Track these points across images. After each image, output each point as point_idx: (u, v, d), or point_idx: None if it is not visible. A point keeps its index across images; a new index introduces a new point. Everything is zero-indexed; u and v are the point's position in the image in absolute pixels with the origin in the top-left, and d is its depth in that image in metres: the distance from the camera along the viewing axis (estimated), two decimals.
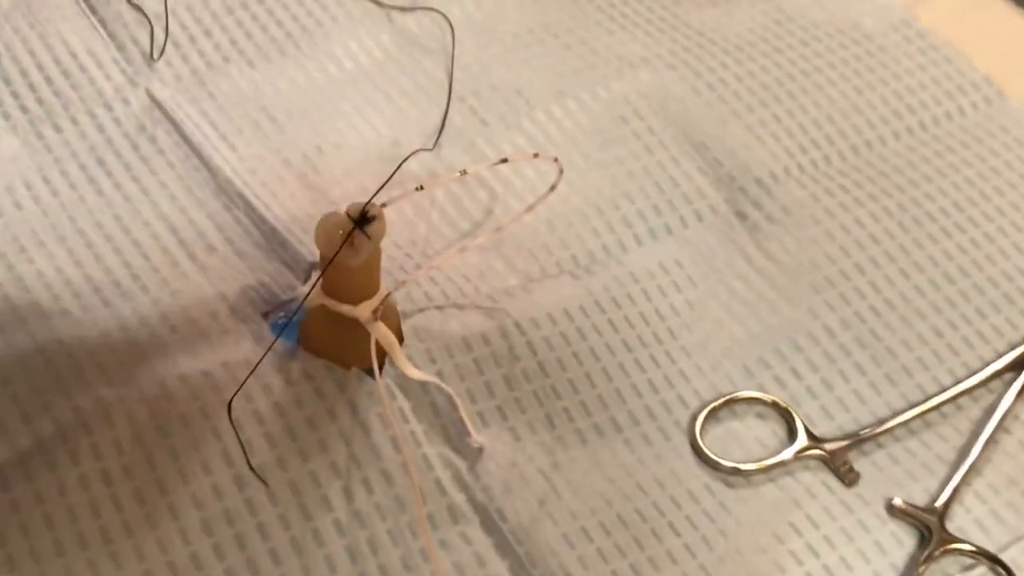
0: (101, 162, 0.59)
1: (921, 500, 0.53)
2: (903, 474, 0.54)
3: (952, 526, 0.52)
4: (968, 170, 0.64)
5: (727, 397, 0.55)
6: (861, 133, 0.65)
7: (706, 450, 0.53)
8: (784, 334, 0.57)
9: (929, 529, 0.52)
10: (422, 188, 0.48)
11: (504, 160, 0.49)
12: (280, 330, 0.53)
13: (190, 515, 0.49)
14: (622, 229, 0.60)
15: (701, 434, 0.54)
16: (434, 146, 0.61)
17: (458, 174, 0.49)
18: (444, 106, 0.63)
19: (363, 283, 0.51)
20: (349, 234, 0.49)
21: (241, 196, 0.58)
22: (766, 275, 0.59)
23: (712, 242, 0.60)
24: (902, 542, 0.52)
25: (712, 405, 0.55)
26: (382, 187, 0.49)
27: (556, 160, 0.47)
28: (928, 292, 0.59)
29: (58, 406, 0.50)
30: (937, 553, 0.51)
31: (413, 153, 0.59)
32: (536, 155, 0.47)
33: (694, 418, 0.54)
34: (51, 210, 0.57)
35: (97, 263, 0.56)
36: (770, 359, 0.56)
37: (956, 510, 0.53)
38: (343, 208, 0.58)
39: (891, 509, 0.52)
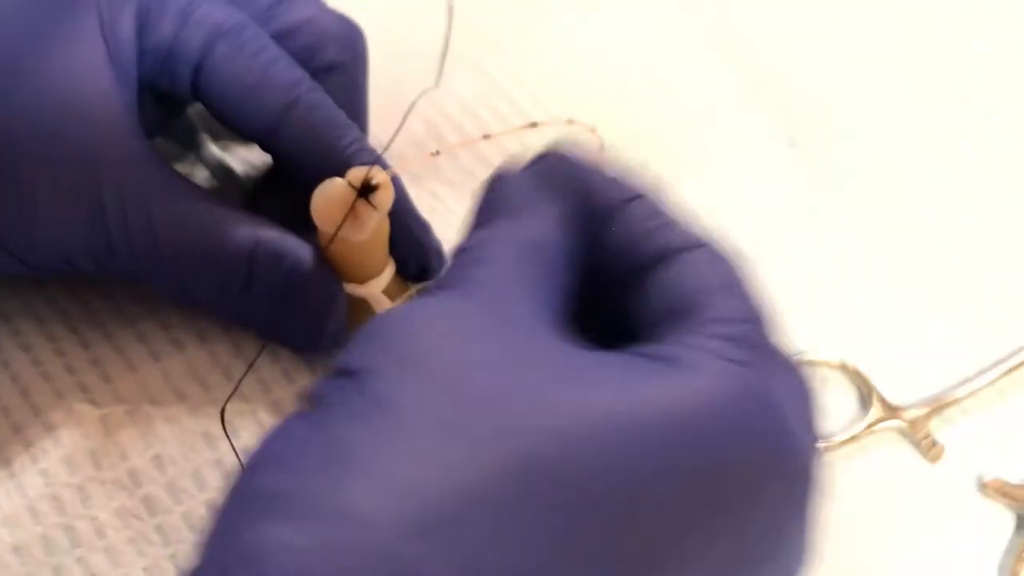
0: None
1: (1017, 475, 0.47)
2: (993, 445, 0.47)
3: None
4: None
5: None
6: (927, 38, 0.57)
7: None
8: (848, 281, 0.50)
9: None
10: (438, 153, 0.41)
11: (533, 124, 0.41)
12: None
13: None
14: (666, 163, 0.51)
15: None
16: (437, 82, 0.53)
17: (481, 138, 0.42)
18: (443, 25, 0.55)
19: (370, 259, 0.45)
20: (352, 205, 0.42)
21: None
22: (827, 208, 0.52)
23: (763, 174, 0.53)
24: (998, 527, 0.46)
25: None
26: (389, 143, 0.42)
27: (594, 131, 0.40)
28: (1017, 228, 0.52)
29: None
30: None
31: (418, 98, 0.51)
32: (570, 121, 0.40)
33: None
34: None
35: None
36: (834, 312, 0.50)
37: None
38: None
39: (983, 488, 0.46)
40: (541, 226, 0.34)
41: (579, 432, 0.29)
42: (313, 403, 0.30)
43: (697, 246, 0.34)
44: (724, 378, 0.31)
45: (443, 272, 0.35)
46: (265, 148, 0.45)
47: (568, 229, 0.34)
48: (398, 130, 0.41)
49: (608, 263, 0.34)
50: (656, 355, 0.31)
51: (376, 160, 0.42)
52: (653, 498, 0.29)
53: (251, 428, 0.44)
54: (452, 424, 0.29)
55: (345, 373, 0.30)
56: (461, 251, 0.34)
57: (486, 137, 0.43)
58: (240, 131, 0.45)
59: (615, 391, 0.30)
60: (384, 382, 0.29)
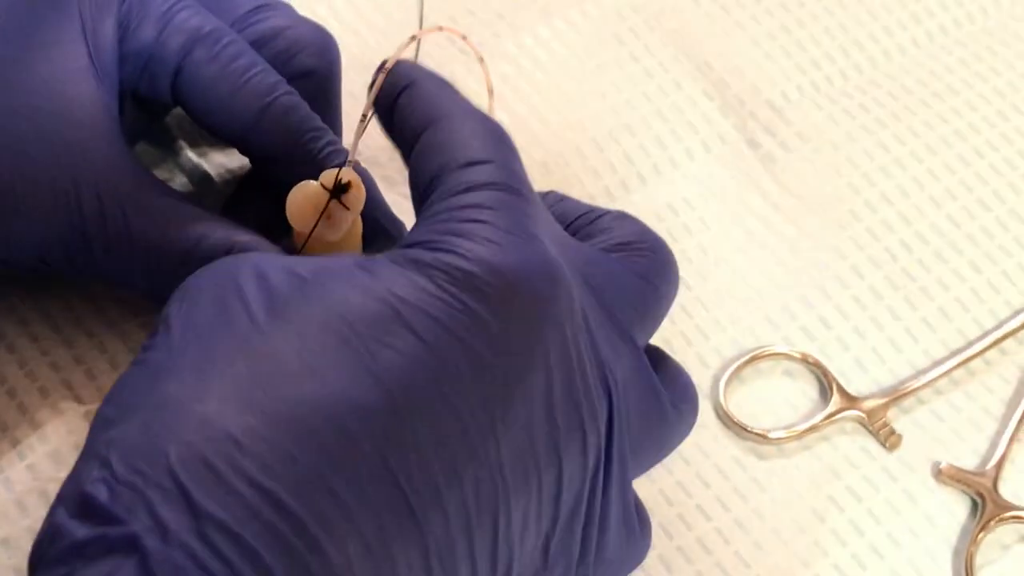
0: None
1: (970, 462, 0.48)
2: (949, 433, 0.49)
3: (1006, 490, 0.47)
4: (996, 79, 0.58)
5: (751, 353, 0.50)
6: (878, 42, 0.59)
7: (733, 417, 0.48)
8: (808, 278, 0.52)
9: (981, 496, 0.47)
10: (364, 117, 0.42)
11: (412, 38, 0.43)
12: None
13: None
14: (624, 167, 0.54)
15: (725, 398, 0.49)
16: None
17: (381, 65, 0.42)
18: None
19: None
20: (325, 206, 0.43)
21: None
22: (784, 211, 0.54)
23: (723, 176, 0.54)
24: (953, 512, 0.47)
25: (736, 364, 0.49)
26: (355, 145, 0.43)
27: (465, 38, 0.42)
28: (963, 222, 0.54)
29: None
30: (992, 523, 0.47)
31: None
32: (440, 28, 0.42)
33: (717, 380, 0.49)
34: None
35: None
36: (795, 308, 0.51)
37: (1009, 471, 0.48)
38: None
39: (938, 474, 0.48)
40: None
41: (354, 311, 0.33)
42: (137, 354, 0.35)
43: (448, 115, 0.38)
44: (475, 240, 0.35)
45: None
46: (242, 150, 0.46)
47: None
48: (362, 130, 0.42)
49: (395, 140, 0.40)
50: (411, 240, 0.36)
51: (347, 161, 0.43)
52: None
53: None
54: (249, 321, 0.33)
55: (156, 326, 0.35)
56: None
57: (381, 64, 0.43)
58: (218, 133, 0.46)
59: (374, 278, 0.34)
60: (185, 316, 0.34)
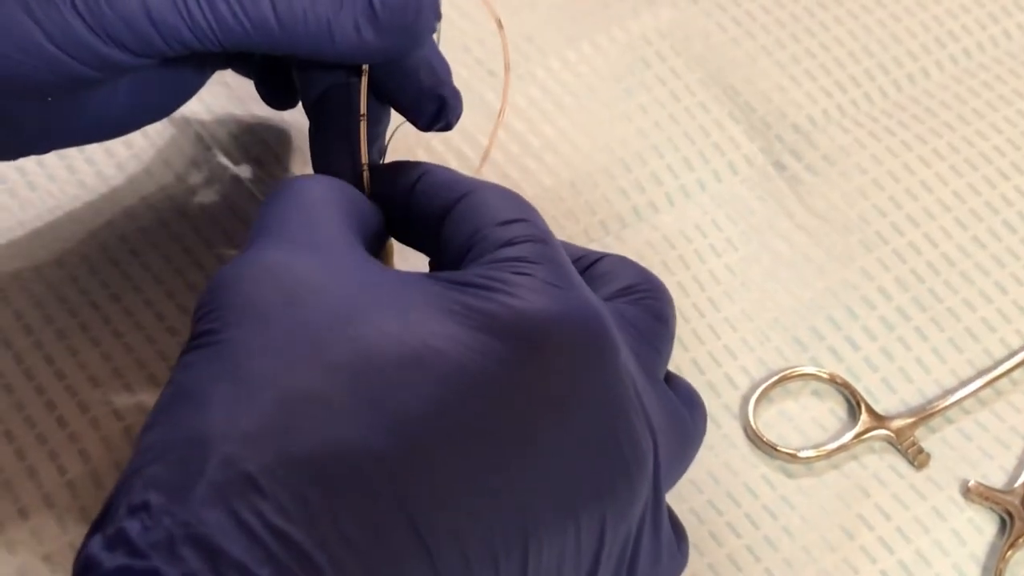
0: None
1: (998, 480, 0.49)
2: (976, 451, 0.49)
3: None
4: (1020, 101, 0.58)
5: (780, 374, 0.50)
6: (902, 65, 0.59)
7: (762, 436, 0.48)
8: (836, 299, 0.52)
9: (1010, 513, 0.47)
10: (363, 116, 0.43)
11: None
12: None
13: None
14: (652, 187, 0.55)
15: (755, 418, 0.49)
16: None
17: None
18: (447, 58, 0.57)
19: None
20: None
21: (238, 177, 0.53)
22: (811, 233, 0.54)
23: (750, 198, 0.55)
24: (981, 529, 0.48)
25: (764, 384, 0.50)
26: (361, 144, 0.44)
27: (499, 22, 0.43)
28: (988, 243, 0.54)
29: None
30: (1021, 540, 0.47)
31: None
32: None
33: (746, 400, 0.50)
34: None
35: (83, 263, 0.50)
36: (822, 328, 0.52)
37: None
38: None
39: (967, 492, 0.48)
40: (331, 182, 0.40)
41: (386, 355, 0.34)
42: (174, 370, 0.35)
43: (474, 188, 0.39)
44: (520, 288, 0.36)
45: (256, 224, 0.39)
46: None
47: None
48: (362, 132, 0.43)
49: (415, 230, 0.41)
50: (447, 284, 0.36)
51: (363, 165, 0.43)
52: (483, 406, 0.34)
53: None
54: (278, 351, 0.34)
55: (197, 337, 0.35)
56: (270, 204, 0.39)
57: None
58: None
59: (412, 321, 0.35)
60: (223, 338, 0.34)
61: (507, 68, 0.46)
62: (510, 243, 0.37)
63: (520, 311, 0.35)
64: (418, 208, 0.41)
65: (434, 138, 0.54)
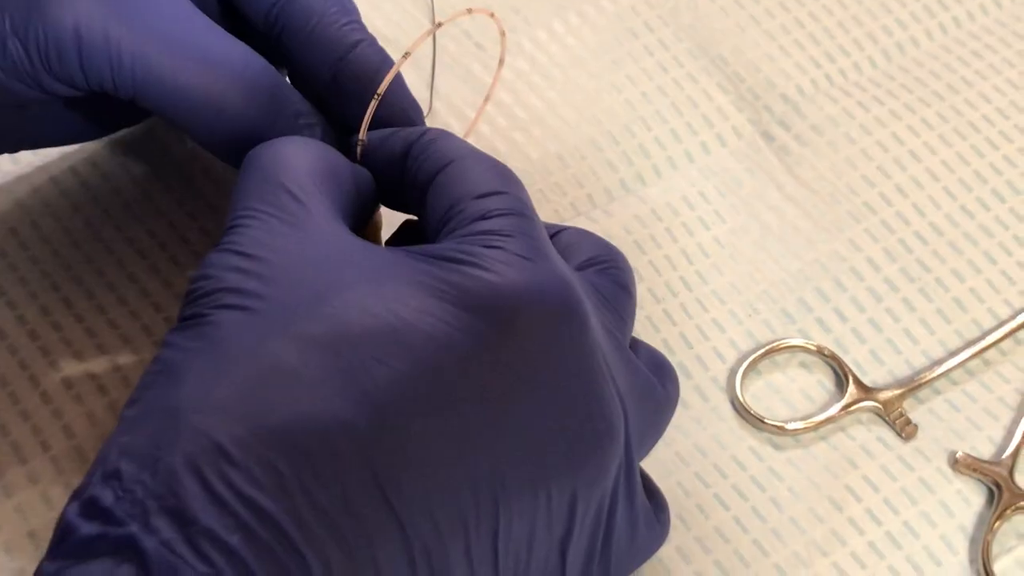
0: None
1: (986, 451, 0.49)
2: (964, 422, 0.49)
3: (1023, 479, 0.48)
4: (1010, 71, 0.58)
5: (768, 346, 0.50)
6: (892, 34, 0.59)
7: (749, 409, 0.48)
8: (824, 270, 0.52)
9: (998, 484, 0.47)
10: (439, 25, 0.43)
11: (439, 25, 0.43)
12: None
13: None
14: (640, 159, 0.55)
15: (742, 391, 0.49)
16: (430, 107, 0.55)
17: (402, 56, 0.42)
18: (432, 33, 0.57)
19: None
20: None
21: None
22: (800, 204, 0.54)
23: (738, 170, 0.55)
24: (969, 500, 0.47)
25: (752, 357, 0.50)
26: (366, 124, 0.43)
27: (492, 15, 0.43)
28: (977, 213, 0.54)
29: None
30: (1009, 511, 0.47)
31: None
32: (470, 10, 0.42)
33: (733, 373, 0.50)
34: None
35: (66, 237, 0.50)
36: (811, 300, 0.52)
37: None
38: None
39: (955, 464, 0.48)
40: (310, 147, 0.40)
41: (359, 328, 0.34)
42: (159, 349, 0.35)
43: (460, 158, 0.39)
44: (492, 260, 0.36)
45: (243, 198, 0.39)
46: (267, 33, 0.44)
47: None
48: (370, 113, 0.42)
49: (408, 195, 0.41)
50: (422, 258, 0.36)
51: (359, 141, 0.43)
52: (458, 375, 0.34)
53: None
54: (255, 327, 0.34)
55: (183, 320, 0.35)
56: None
57: (406, 56, 0.43)
58: (247, 14, 0.44)
59: (386, 294, 0.35)
60: (207, 318, 0.35)
61: (501, 62, 0.46)
62: (484, 216, 0.38)
63: (492, 284, 0.35)
64: (409, 176, 0.41)
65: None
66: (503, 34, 0.45)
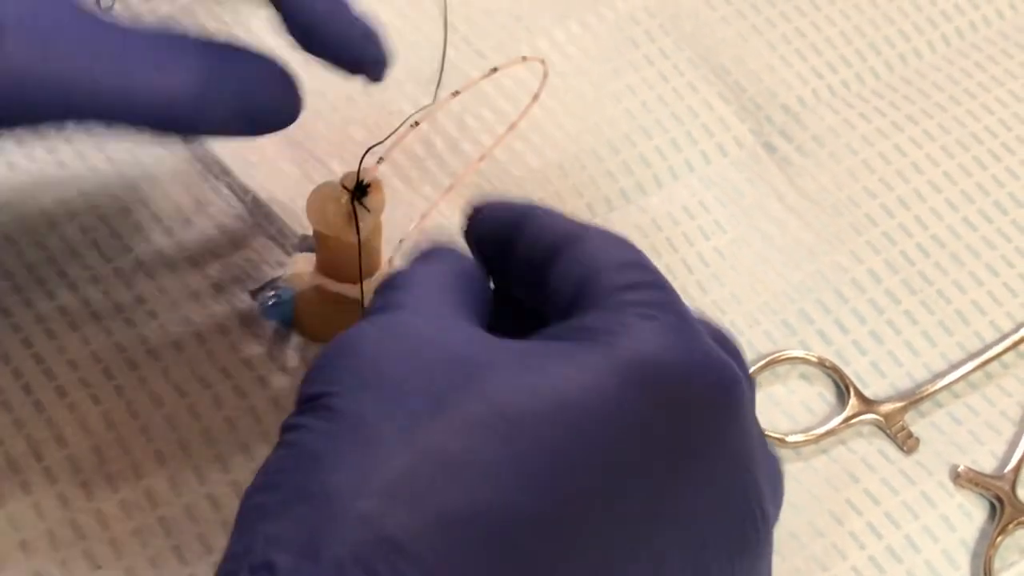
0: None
1: (988, 465, 0.48)
2: (966, 436, 0.49)
3: None
4: (1013, 82, 0.58)
5: (768, 358, 0.50)
6: (894, 46, 0.59)
7: None
8: (826, 282, 0.52)
9: (1000, 499, 0.47)
10: (417, 124, 0.42)
11: (494, 70, 0.43)
12: (272, 312, 0.47)
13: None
14: (640, 169, 0.54)
15: None
16: (435, 99, 0.54)
17: (451, 95, 0.42)
18: (435, 39, 0.56)
19: (364, 259, 0.46)
20: (354, 211, 0.43)
21: (216, 160, 0.52)
22: (801, 215, 0.53)
23: (739, 180, 0.54)
24: (971, 515, 0.47)
25: (752, 368, 0.49)
26: (373, 146, 0.43)
27: (542, 62, 0.42)
28: (979, 225, 0.54)
29: None
30: (1011, 526, 0.46)
31: (413, 115, 0.52)
32: (524, 58, 0.42)
33: None
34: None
35: (62, 243, 0.49)
36: (812, 312, 0.51)
37: None
38: (332, 166, 0.52)
39: (956, 478, 0.48)
40: (449, 254, 0.37)
41: (522, 409, 0.31)
42: (285, 432, 0.32)
43: (586, 231, 0.36)
44: (649, 333, 0.33)
45: (371, 304, 0.37)
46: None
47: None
48: (401, 136, 0.42)
49: (516, 273, 0.37)
50: (568, 334, 0.34)
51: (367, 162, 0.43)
52: (617, 453, 0.32)
53: (249, 423, 0.46)
54: (401, 410, 0.31)
55: (309, 400, 0.33)
56: (385, 285, 0.37)
57: (455, 94, 0.43)
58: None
59: (542, 372, 0.32)
60: (344, 399, 0.32)
61: (535, 98, 0.45)
62: (631, 287, 0.35)
63: (653, 358, 0.33)
64: (525, 252, 0.37)
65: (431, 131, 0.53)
66: (545, 75, 0.44)
